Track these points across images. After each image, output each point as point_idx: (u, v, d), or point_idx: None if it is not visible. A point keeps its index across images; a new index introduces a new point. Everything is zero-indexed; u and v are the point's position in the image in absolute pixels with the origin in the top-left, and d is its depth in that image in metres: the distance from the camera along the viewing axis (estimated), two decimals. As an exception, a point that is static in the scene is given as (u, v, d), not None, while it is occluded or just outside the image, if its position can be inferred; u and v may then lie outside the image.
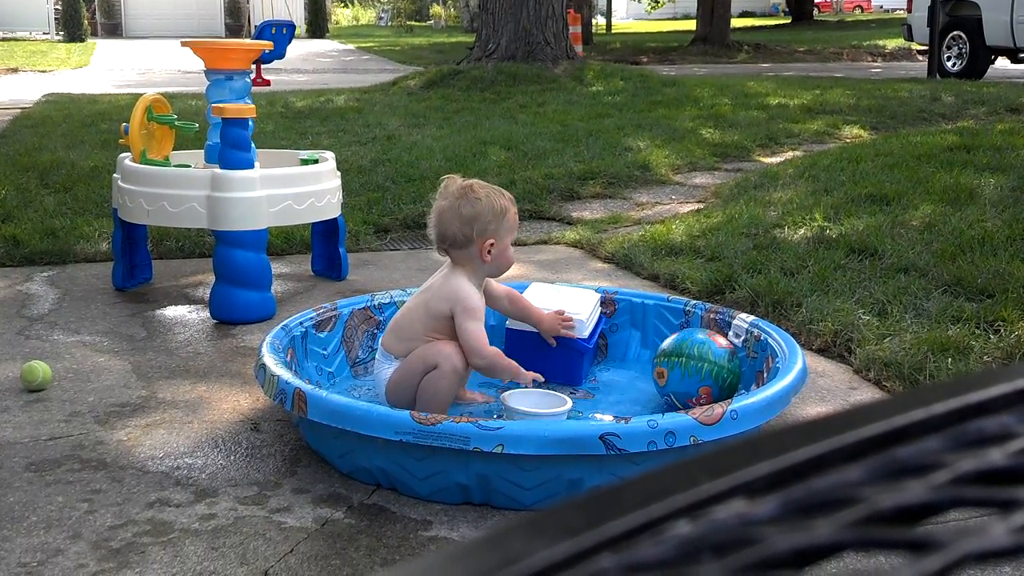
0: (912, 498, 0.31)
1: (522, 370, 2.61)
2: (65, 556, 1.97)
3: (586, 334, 2.84)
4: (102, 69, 16.45)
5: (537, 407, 2.52)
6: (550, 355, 2.83)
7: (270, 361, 2.48)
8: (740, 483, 0.32)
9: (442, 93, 9.96)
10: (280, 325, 2.81)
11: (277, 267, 3.97)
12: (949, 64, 12.87)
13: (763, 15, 35.51)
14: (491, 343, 2.65)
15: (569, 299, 2.94)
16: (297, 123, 8.13)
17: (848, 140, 7.45)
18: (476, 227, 2.56)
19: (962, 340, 2.99)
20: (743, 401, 2.23)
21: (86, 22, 25.24)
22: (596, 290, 3.25)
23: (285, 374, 2.39)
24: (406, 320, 2.65)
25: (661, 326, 3.10)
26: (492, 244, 2.59)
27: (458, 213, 2.57)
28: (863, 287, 3.55)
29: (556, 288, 3.06)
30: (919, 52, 16.86)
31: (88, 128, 7.68)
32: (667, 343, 2.76)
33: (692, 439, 2.13)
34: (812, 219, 4.49)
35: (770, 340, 2.72)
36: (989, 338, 3.06)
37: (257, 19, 25.41)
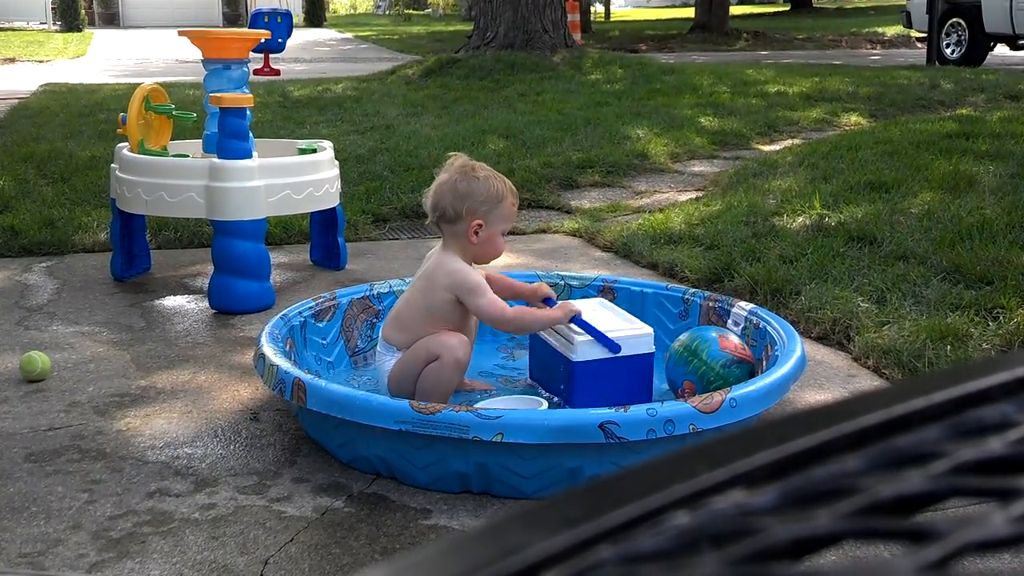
0: (912, 488, 0.31)
1: (552, 312, 2.58)
2: (65, 546, 1.97)
3: (574, 355, 2.58)
4: (99, 59, 16.41)
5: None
6: (552, 366, 2.69)
7: (269, 351, 2.48)
8: (739, 473, 0.32)
9: (440, 82, 9.95)
10: (279, 315, 2.81)
11: (276, 257, 3.97)
12: (948, 51, 12.86)
13: (762, 2, 35.43)
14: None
15: (604, 320, 2.69)
16: (295, 112, 8.11)
17: (847, 128, 7.45)
18: (467, 204, 2.54)
19: (961, 327, 2.99)
20: (742, 389, 2.23)
21: (83, 12, 25.18)
22: (595, 279, 3.25)
23: (284, 364, 2.39)
24: (406, 311, 2.63)
25: (660, 315, 3.10)
26: (480, 226, 2.55)
27: (454, 187, 2.56)
28: (862, 275, 3.55)
29: (610, 311, 2.81)
30: (918, 39, 16.83)
31: (86, 118, 7.66)
32: (690, 330, 2.74)
33: (691, 427, 2.13)
34: (811, 207, 4.49)
35: (769, 328, 2.72)
36: (988, 325, 3.06)
37: (255, 8, 25.32)
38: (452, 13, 34.10)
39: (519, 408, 2.48)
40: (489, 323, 2.63)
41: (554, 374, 2.70)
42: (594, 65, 10.64)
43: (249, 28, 4.13)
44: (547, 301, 2.71)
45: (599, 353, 2.58)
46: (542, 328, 2.65)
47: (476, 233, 2.56)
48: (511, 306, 2.62)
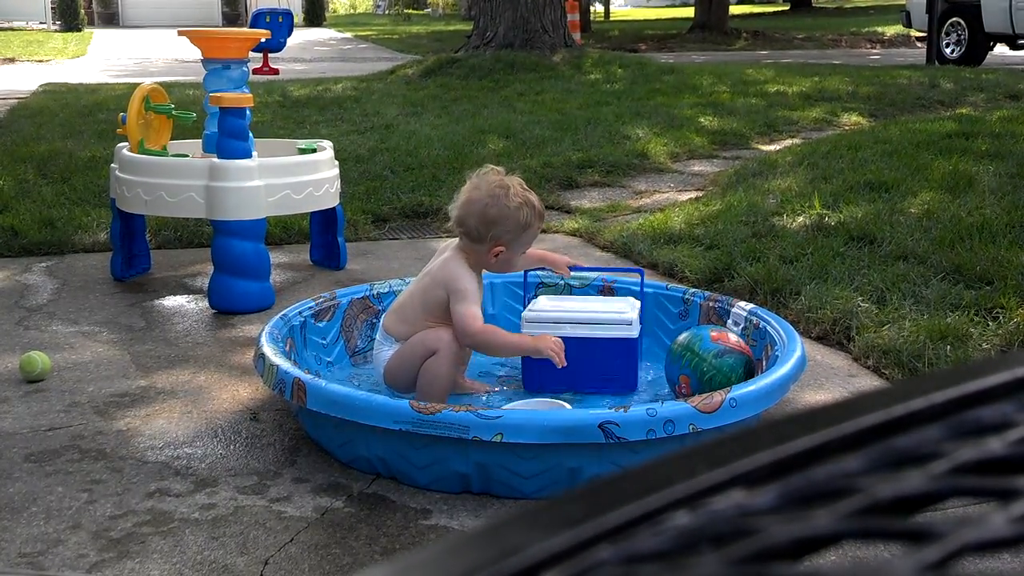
0: (911, 488, 0.31)
1: (523, 340, 2.59)
2: (65, 546, 1.97)
3: (633, 332, 2.74)
4: (99, 59, 16.41)
5: None
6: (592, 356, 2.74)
7: (269, 351, 2.48)
8: (739, 473, 0.32)
9: (440, 81, 9.94)
10: (279, 315, 2.81)
11: (276, 257, 3.97)
12: (948, 51, 12.86)
13: (761, 2, 35.41)
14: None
15: (599, 305, 2.87)
16: (295, 112, 8.11)
17: (847, 127, 7.45)
18: (493, 231, 2.55)
19: (961, 327, 2.99)
20: (742, 389, 2.23)
21: (83, 12, 25.16)
22: (595, 279, 3.25)
23: (284, 364, 2.39)
24: (408, 303, 2.66)
25: (660, 314, 3.10)
26: (502, 251, 2.59)
27: (484, 211, 2.55)
28: (862, 274, 3.55)
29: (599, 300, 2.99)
30: (918, 39, 16.83)
31: (85, 118, 7.66)
32: (689, 330, 2.78)
33: (691, 427, 2.13)
34: (811, 207, 4.49)
35: (769, 328, 2.72)
36: (988, 325, 3.06)
37: (254, 8, 25.31)
38: (452, 13, 34.10)
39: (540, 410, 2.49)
40: (456, 331, 2.56)
41: (590, 364, 2.70)
42: (594, 65, 10.64)
43: (250, 28, 4.13)
44: (574, 268, 2.93)
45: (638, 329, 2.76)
46: (507, 354, 2.65)
47: (496, 256, 2.59)
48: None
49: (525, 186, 2.64)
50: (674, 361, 2.68)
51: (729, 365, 2.59)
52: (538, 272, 3.29)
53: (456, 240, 2.68)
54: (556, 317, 2.75)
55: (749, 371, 2.60)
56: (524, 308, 2.86)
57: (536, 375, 2.73)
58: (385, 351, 2.64)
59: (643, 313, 2.92)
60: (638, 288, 3.16)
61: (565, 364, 2.53)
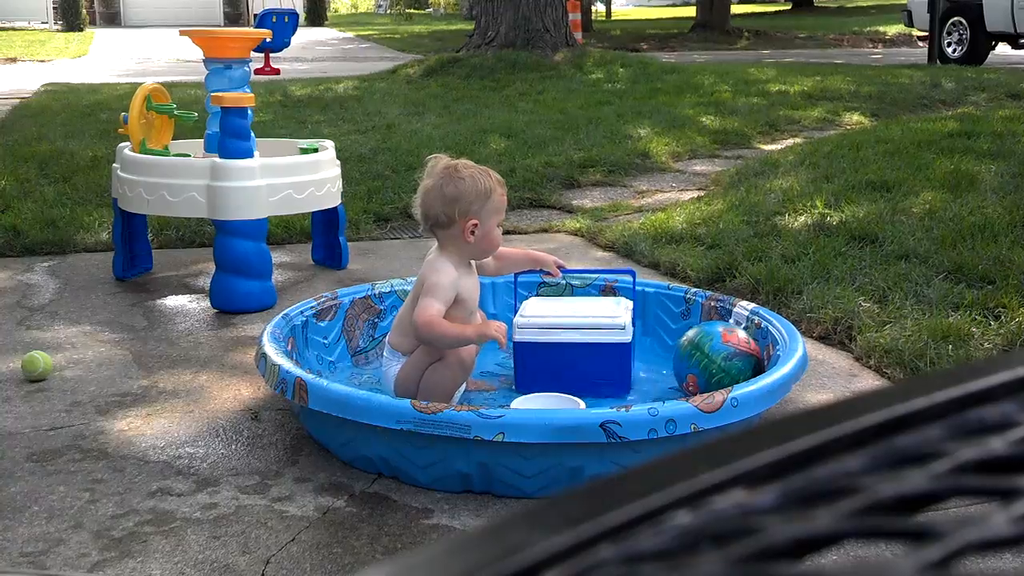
0: (913, 487, 0.31)
1: (467, 328, 2.54)
2: (67, 546, 1.97)
3: (625, 336, 2.70)
4: (101, 58, 16.42)
5: None
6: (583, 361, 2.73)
7: (271, 350, 2.48)
8: (740, 473, 0.32)
9: (442, 81, 9.95)
10: (281, 314, 2.81)
11: (277, 256, 3.97)
12: (949, 50, 12.85)
13: (763, 1, 35.37)
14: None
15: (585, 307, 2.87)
16: (296, 112, 8.12)
17: (848, 127, 7.44)
18: (459, 207, 2.51)
19: (963, 327, 2.99)
20: (743, 389, 2.23)
21: (84, 11, 25.16)
22: (597, 281, 3.25)
23: (286, 363, 2.39)
24: (405, 316, 2.64)
25: (662, 314, 3.10)
26: (475, 225, 2.53)
27: (441, 193, 2.52)
28: (864, 274, 3.55)
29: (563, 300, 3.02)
30: (919, 38, 16.82)
31: (87, 118, 7.66)
32: (698, 325, 2.80)
33: (693, 427, 2.13)
34: (812, 206, 4.49)
35: (770, 328, 2.72)
36: (990, 325, 3.06)
37: (256, 7, 25.32)
38: (453, 12, 34.09)
39: (557, 407, 2.49)
40: (413, 323, 2.52)
41: (583, 368, 2.69)
42: (595, 64, 10.64)
43: (256, 27, 4.14)
44: (565, 270, 2.92)
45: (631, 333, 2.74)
46: (453, 344, 2.51)
47: (472, 232, 2.54)
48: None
49: (473, 164, 2.62)
50: (682, 358, 2.69)
51: (738, 368, 2.60)
52: (540, 274, 3.29)
53: (435, 246, 2.66)
54: (549, 323, 2.72)
55: (758, 372, 2.59)
56: (515, 312, 2.85)
57: (528, 378, 2.71)
58: (393, 367, 2.62)
59: (635, 314, 2.90)
60: (640, 288, 3.16)
61: (506, 346, 2.60)
